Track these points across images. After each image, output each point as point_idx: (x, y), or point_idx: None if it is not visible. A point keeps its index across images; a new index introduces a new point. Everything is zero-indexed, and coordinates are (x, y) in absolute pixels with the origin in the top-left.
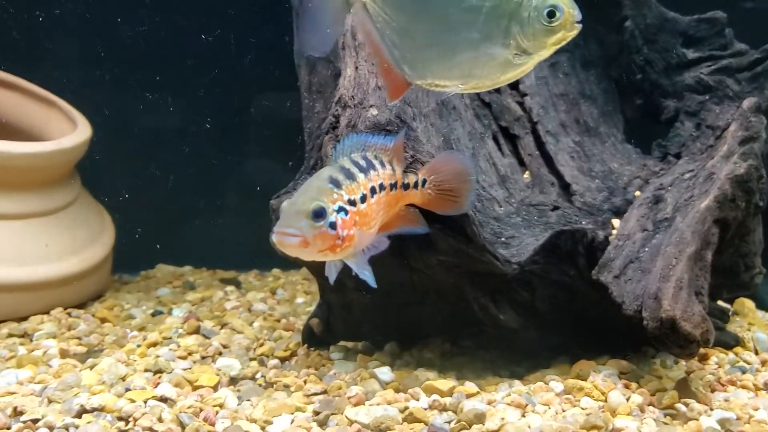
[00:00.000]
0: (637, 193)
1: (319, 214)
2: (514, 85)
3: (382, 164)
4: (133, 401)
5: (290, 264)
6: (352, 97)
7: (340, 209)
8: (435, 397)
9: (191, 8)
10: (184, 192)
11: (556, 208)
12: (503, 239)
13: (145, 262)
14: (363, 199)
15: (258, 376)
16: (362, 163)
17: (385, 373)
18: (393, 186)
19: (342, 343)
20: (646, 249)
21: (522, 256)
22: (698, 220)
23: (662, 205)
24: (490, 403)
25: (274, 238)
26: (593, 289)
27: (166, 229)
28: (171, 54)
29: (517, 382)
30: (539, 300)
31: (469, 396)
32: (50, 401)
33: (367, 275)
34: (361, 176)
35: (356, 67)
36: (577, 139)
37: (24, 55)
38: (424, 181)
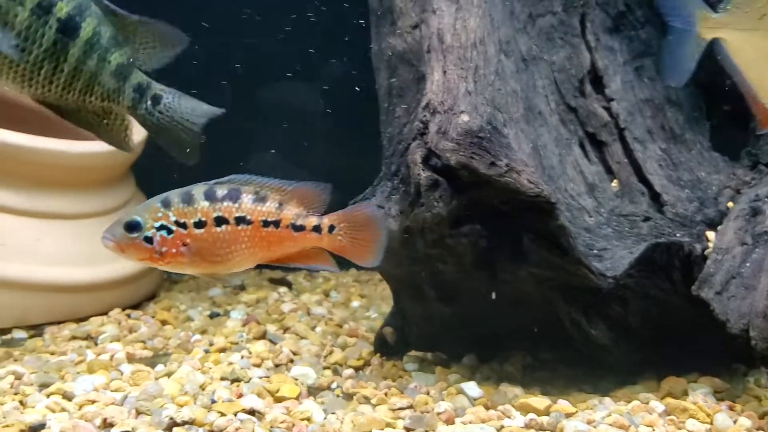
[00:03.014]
0: (730, 204)
1: (131, 227)
2: (600, 90)
3: (262, 200)
4: (223, 414)
5: (339, 265)
6: (442, 102)
7: (162, 227)
8: (531, 416)
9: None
10: None
11: (647, 219)
12: (595, 251)
13: None
14: (200, 224)
15: (334, 386)
16: (219, 193)
17: (472, 388)
18: (268, 223)
19: (414, 352)
20: (747, 264)
21: (617, 269)
22: None
23: (760, 218)
24: (589, 423)
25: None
26: (688, 303)
27: None
28: (212, 49)
29: (607, 399)
30: (632, 315)
31: (567, 415)
32: (138, 413)
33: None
34: (204, 204)
35: (444, 71)
36: (663, 147)
37: None
38: (332, 227)
